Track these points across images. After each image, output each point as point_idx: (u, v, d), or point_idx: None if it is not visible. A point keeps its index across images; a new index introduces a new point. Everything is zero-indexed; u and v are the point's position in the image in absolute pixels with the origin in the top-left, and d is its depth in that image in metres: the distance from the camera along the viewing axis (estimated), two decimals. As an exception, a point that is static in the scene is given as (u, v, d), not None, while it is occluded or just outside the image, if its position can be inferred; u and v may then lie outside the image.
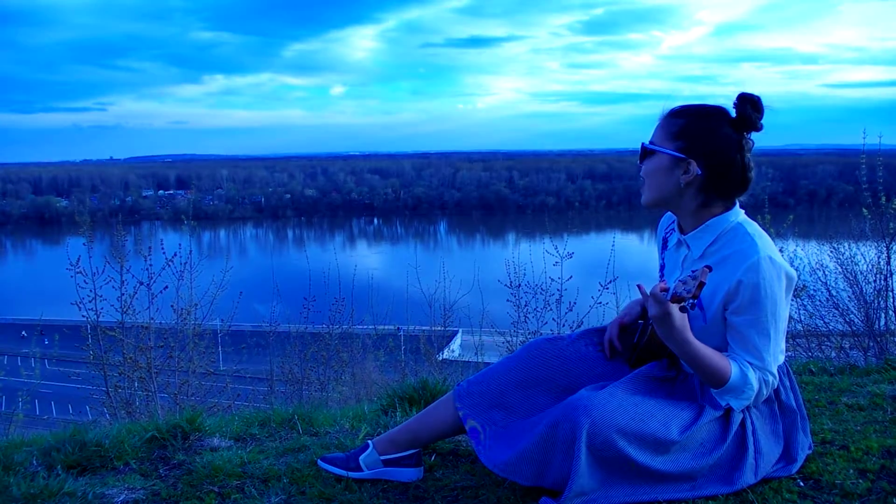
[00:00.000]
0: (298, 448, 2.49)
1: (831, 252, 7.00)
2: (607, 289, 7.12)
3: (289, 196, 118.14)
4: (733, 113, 1.94)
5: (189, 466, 2.33)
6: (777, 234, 7.43)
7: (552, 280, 7.28)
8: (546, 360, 2.15)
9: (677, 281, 1.81)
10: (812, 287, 7.02)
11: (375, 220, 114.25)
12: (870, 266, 6.58)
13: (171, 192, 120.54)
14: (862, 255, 6.75)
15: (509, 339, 7.45)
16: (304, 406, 3.02)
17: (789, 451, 2.05)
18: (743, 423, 1.97)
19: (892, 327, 6.46)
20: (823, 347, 7.03)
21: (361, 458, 2.18)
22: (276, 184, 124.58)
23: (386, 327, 10.06)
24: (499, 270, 7.91)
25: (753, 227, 1.94)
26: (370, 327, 9.50)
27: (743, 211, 1.99)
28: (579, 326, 7.10)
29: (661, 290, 1.83)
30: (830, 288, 6.89)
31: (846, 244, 7.00)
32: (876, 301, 6.50)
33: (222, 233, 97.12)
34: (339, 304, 8.58)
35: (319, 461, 2.25)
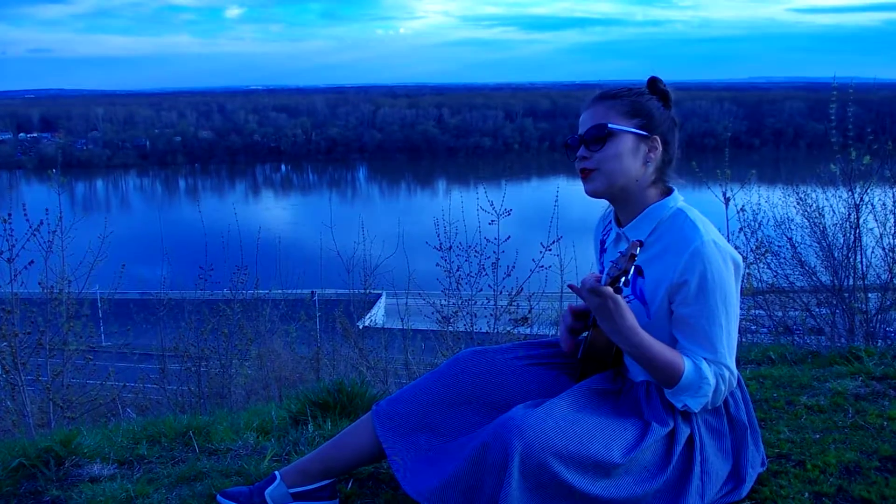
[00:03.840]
0: (194, 476, 2.42)
1: (797, 204, 7.19)
2: (549, 250, 7.10)
3: (179, 139, 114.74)
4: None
5: (64, 507, 2.24)
6: (739, 180, 7.58)
7: (488, 241, 7.22)
8: (475, 374, 2.16)
9: (609, 264, 1.87)
10: (777, 243, 7.21)
11: (283, 167, 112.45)
12: (840, 220, 6.75)
13: (35, 134, 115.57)
14: (831, 206, 6.92)
15: (443, 302, 7.41)
16: (201, 418, 2.94)
17: (738, 471, 2.10)
18: (690, 441, 2.01)
19: (860, 284, 6.67)
20: (787, 308, 7.28)
21: (267, 492, 2.13)
22: (163, 124, 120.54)
23: (298, 292, 9.88)
24: (426, 224, 7.80)
25: (694, 213, 2.01)
26: (279, 291, 9.30)
27: (682, 197, 2.07)
28: (519, 293, 7.14)
29: (595, 280, 1.88)
30: (796, 244, 7.09)
31: (813, 194, 7.17)
32: (845, 258, 6.69)
33: (99, 183, 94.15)
34: (242, 272, 8.35)
35: (219, 497, 2.19)
